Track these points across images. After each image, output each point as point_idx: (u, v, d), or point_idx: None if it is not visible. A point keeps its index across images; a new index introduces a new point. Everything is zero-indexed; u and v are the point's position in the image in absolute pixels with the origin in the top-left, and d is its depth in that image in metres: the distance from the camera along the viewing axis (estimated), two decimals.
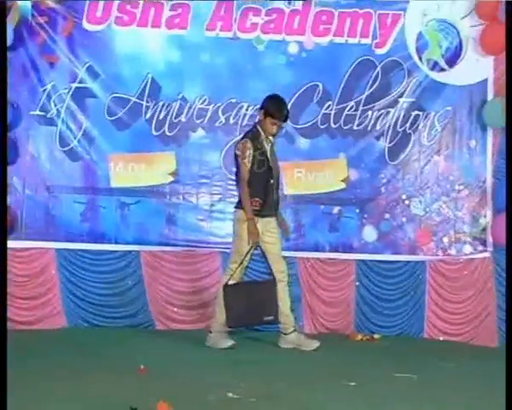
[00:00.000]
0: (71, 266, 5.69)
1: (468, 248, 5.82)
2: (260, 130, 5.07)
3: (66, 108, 5.63)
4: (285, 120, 5.13)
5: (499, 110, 5.58)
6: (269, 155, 5.07)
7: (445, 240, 5.81)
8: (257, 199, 4.99)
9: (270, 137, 5.10)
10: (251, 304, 4.94)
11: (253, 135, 5.05)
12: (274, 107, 5.03)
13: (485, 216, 5.80)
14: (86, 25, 5.64)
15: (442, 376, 4.48)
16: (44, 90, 5.60)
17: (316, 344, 5.09)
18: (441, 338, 5.81)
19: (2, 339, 3.11)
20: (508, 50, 5.01)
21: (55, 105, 5.63)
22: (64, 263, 5.69)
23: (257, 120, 5.18)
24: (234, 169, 5.63)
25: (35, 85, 5.61)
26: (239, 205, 5.09)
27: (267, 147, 5.08)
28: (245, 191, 4.99)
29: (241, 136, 5.19)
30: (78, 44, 5.64)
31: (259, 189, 5.00)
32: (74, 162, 5.68)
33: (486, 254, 5.81)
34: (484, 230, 5.80)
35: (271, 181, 5.05)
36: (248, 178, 4.98)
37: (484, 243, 5.80)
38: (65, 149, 5.66)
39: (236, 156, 5.07)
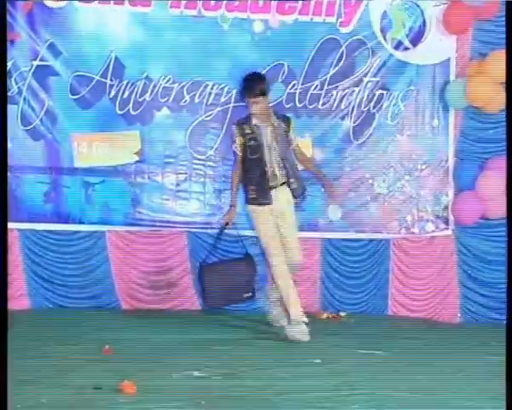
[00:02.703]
0: (35, 247, 5.63)
1: (430, 227, 5.91)
2: (252, 115, 4.91)
3: (27, 87, 5.53)
4: (262, 94, 4.82)
5: (461, 91, 5.65)
6: (265, 141, 4.88)
7: (408, 218, 5.89)
8: (252, 187, 4.90)
9: (273, 121, 4.90)
10: (230, 283, 4.97)
11: (241, 120, 4.94)
12: (243, 86, 4.92)
13: (446, 195, 5.89)
14: (47, 1, 5.51)
15: (407, 352, 4.57)
16: None
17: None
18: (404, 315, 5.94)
19: (2, 338, 3.09)
20: (508, 50, 5.06)
21: (16, 83, 5.51)
22: (28, 244, 5.62)
23: None
24: (199, 149, 5.70)
25: None
26: (248, 200, 4.98)
27: (264, 131, 4.89)
28: (231, 178, 5.02)
29: None
30: (39, 21, 5.50)
31: (253, 176, 4.88)
32: (37, 141, 5.58)
33: (448, 232, 5.91)
34: (446, 208, 5.89)
35: (265, 169, 4.86)
36: (242, 165, 4.90)
37: (446, 221, 5.90)
38: (27, 128, 5.56)
39: None
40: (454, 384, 3.81)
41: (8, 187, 5.48)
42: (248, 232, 5.54)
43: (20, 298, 5.61)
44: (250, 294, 5.07)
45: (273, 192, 4.91)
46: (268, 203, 4.91)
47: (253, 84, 4.87)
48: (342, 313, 5.79)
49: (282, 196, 4.94)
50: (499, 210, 5.51)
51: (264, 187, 4.89)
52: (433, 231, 5.91)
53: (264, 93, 4.86)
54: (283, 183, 4.94)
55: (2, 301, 3.31)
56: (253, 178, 4.90)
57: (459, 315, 5.95)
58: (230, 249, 5.55)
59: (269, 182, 4.89)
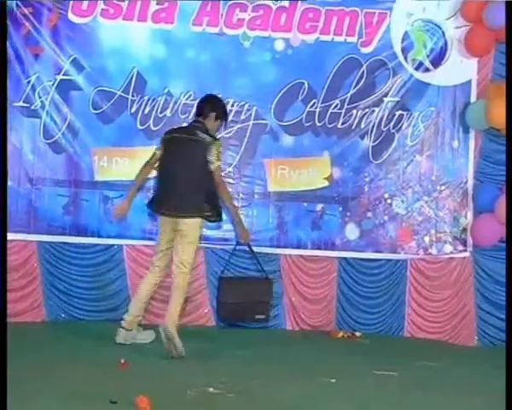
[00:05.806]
0: (53, 259, 5.67)
1: (448, 248, 5.88)
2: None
3: (50, 101, 5.60)
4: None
5: (482, 113, 5.63)
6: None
7: (426, 239, 5.87)
8: None
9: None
10: (245, 301, 5.05)
11: None
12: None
13: (465, 217, 5.87)
14: (72, 17, 5.60)
15: (422, 374, 4.53)
16: (28, 82, 5.56)
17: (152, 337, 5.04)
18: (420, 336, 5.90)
19: (2, 340, 3.12)
20: (508, 51, 5.04)
21: (40, 97, 5.59)
22: (46, 256, 5.66)
23: None
24: None
25: (19, 77, 5.56)
26: None
27: None
28: None
29: None
30: (64, 36, 5.60)
31: None
32: (58, 155, 5.65)
33: (466, 254, 5.88)
34: (464, 230, 5.87)
35: None
36: None
37: (464, 242, 5.87)
38: (49, 141, 5.63)
39: None
40: (469, 408, 3.77)
41: (29, 199, 5.57)
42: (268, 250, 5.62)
43: (36, 309, 5.65)
44: (263, 316, 5.22)
45: None
46: None
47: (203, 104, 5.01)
48: (358, 333, 5.76)
49: None
50: None
51: None
52: (451, 253, 5.88)
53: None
54: None
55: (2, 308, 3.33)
56: None
57: (476, 338, 5.91)
58: (247, 266, 5.61)
59: None
